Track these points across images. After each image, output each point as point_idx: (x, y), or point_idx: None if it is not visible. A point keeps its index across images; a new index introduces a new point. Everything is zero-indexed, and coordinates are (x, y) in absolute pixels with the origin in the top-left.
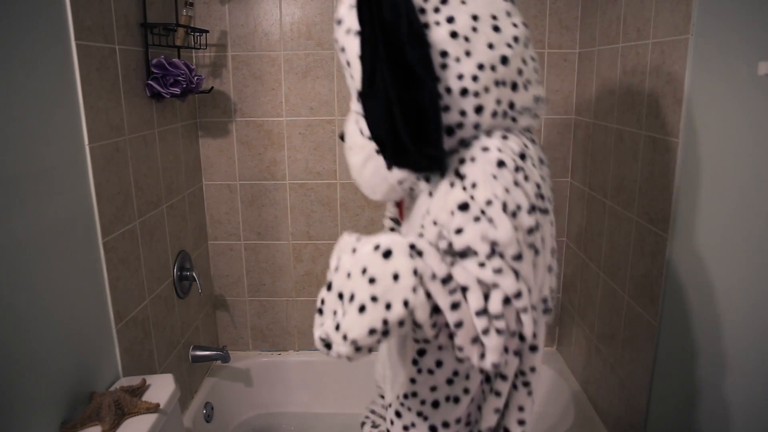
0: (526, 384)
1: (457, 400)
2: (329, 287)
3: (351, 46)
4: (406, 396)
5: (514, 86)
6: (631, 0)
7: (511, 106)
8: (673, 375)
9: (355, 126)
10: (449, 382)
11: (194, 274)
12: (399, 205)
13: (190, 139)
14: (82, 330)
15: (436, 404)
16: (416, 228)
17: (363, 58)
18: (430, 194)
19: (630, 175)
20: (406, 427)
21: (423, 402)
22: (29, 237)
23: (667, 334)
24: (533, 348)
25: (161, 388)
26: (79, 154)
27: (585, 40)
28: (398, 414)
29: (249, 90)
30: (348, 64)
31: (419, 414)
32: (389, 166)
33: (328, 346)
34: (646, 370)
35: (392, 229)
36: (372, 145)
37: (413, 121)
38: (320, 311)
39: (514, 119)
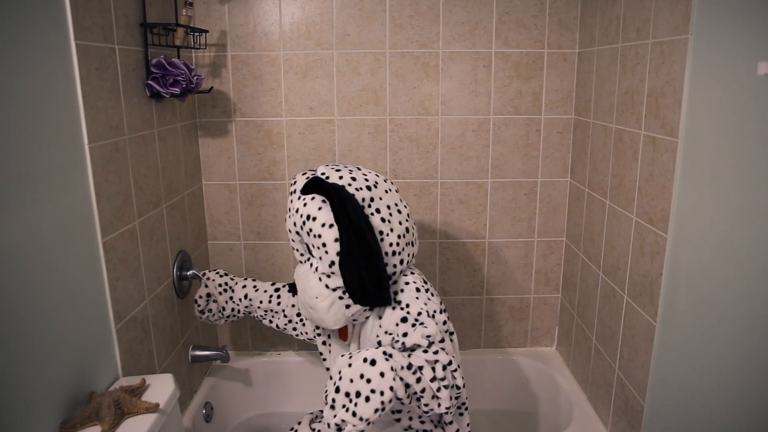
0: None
1: None
2: (337, 390)
3: (327, 234)
4: None
5: (413, 243)
6: (631, 0)
7: (412, 255)
8: (672, 375)
9: (320, 282)
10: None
11: (195, 271)
12: (344, 329)
13: (190, 139)
14: (82, 330)
15: None
16: (373, 339)
17: (341, 242)
18: (380, 317)
19: (630, 175)
20: None
21: None
22: (29, 237)
23: (667, 334)
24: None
25: (161, 388)
26: (79, 154)
27: (584, 40)
28: None
29: (248, 90)
30: (324, 245)
31: None
32: (353, 304)
33: (339, 430)
34: (645, 370)
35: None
36: (335, 294)
37: (374, 277)
38: (332, 407)
39: (412, 261)
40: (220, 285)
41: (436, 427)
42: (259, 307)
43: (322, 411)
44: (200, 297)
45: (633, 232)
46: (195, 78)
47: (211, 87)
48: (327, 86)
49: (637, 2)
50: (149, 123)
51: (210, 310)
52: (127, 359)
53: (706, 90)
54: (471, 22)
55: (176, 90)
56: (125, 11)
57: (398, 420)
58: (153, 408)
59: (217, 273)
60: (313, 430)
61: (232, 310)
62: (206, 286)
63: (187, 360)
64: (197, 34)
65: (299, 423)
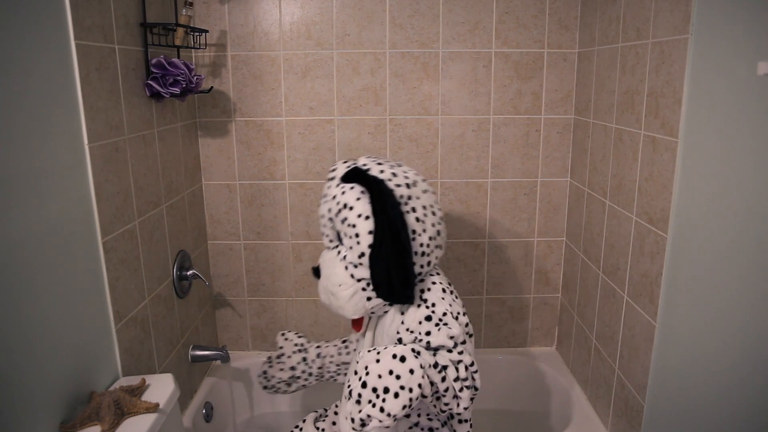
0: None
1: None
2: (364, 385)
3: (362, 225)
4: None
5: (441, 247)
6: (631, 0)
7: (438, 258)
8: (672, 375)
9: (346, 271)
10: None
11: (195, 271)
12: (358, 320)
13: (190, 139)
14: (82, 330)
15: None
16: (393, 335)
17: (375, 235)
18: (402, 313)
19: (629, 175)
20: None
21: None
22: (29, 237)
23: (667, 334)
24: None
25: (161, 387)
26: (79, 154)
27: (584, 40)
28: None
29: (248, 90)
30: (357, 235)
31: None
32: (375, 297)
33: (363, 425)
34: (645, 370)
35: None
36: (359, 285)
37: (401, 275)
38: (358, 401)
39: (437, 264)
40: (296, 345)
41: (443, 425)
42: (331, 362)
43: (326, 409)
44: (258, 375)
45: (633, 232)
46: (195, 78)
47: (211, 87)
48: (327, 86)
49: (637, 2)
50: (149, 123)
51: (273, 386)
52: (127, 359)
53: (706, 90)
54: (471, 22)
55: (176, 90)
56: (125, 11)
57: (408, 416)
58: (153, 408)
59: (296, 334)
60: (318, 428)
61: (303, 371)
62: (280, 347)
63: (187, 360)
64: (197, 34)
65: (303, 421)
